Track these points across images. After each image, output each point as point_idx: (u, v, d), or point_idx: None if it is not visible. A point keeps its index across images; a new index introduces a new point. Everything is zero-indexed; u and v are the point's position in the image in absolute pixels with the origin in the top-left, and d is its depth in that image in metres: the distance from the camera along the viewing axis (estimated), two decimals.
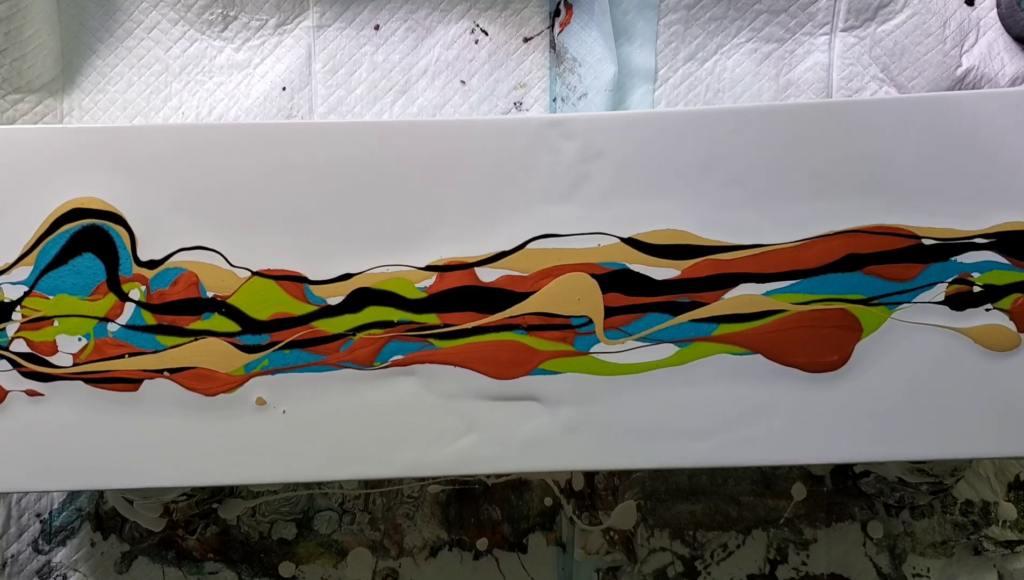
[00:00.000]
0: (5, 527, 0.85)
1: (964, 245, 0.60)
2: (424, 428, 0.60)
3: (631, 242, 0.60)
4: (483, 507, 0.86)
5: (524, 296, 0.60)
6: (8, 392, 0.60)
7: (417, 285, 0.60)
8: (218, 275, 0.60)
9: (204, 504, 0.84)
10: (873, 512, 0.85)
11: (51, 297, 0.60)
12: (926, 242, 0.60)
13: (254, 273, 0.60)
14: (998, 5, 0.84)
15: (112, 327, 0.60)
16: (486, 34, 0.87)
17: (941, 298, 0.60)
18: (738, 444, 0.60)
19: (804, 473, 0.86)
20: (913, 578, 0.85)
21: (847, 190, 0.60)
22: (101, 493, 0.85)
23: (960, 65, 0.84)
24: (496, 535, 0.86)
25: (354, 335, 0.60)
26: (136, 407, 0.60)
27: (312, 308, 0.60)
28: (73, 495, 0.86)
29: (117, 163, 0.60)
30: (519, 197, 0.61)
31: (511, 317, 0.60)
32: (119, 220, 0.60)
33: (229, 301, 0.60)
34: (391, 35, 0.87)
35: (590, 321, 0.60)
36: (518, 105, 0.87)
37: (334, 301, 0.60)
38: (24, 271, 0.60)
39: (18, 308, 0.60)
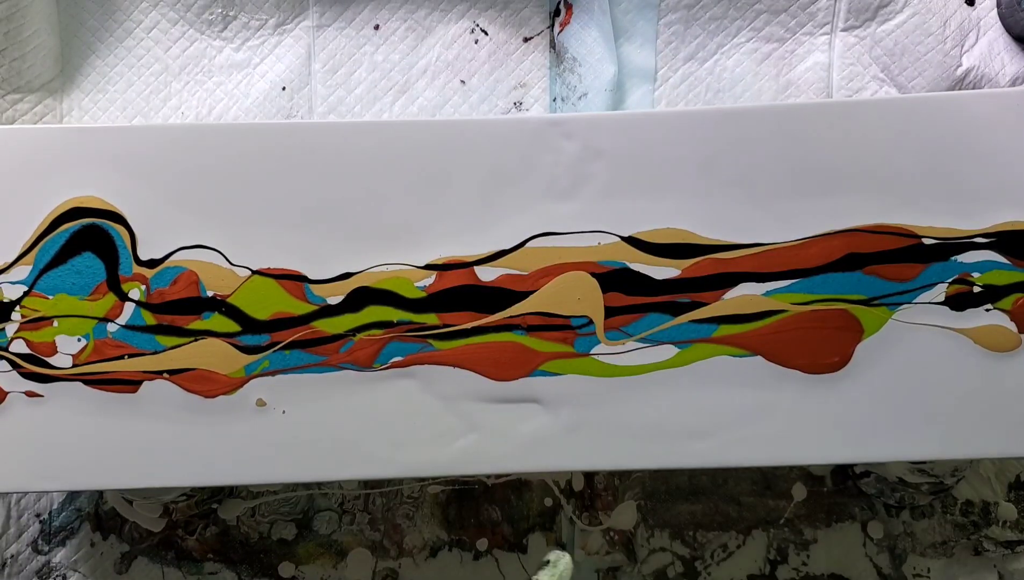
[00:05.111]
0: (5, 527, 0.85)
1: (964, 244, 0.60)
2: (424, 429, 0.60)
3: (631, 241, 0.60)
4: (483, 507, 0.86)
5: (524, 295, 0.60)
6: (8, 393, 0.60)
7: (417, 284, 0.60)
8: (218, 274, 0.60)
9: (204, 504, 0.84)
10: (873, 512, 0.85)
11: (51, 297, 0.60)
12: (926, 241, 0.60)
13: (254, 272, 0.60)
14: (998, 5, 0.84)
15: (112, 327, 0.60)
16: (486, 34, 0.87)
17: (941, 298, 0.60)
18: (738, 444, 0.60)
19: (804, 473, 0.86)
20: (913, 578, 0.85)
21: (847, 190, 0.60)
22: (101, 493, 0.85)
23: (960, 65, 0.84)
24: (496, 535, 0.85)
25: (354, 336, 0.60)
26: (136, 409, 0.60)
27: (312, 307, 0.60)
28: (73, 495, 0.86)
29: (117, 163, 0.60)
30: (519, 196, 0.61)
31: (511, 317, 0.60)
32: (119, 219, 0.60)
33: (229, 300, 0.60)
34: (391, 35, 0.87)
35: (590, 321, 0.60)
36: (518, 105, 0.87)
37: (334, 300, 0.60)
38: (23, 270, 0.60)
39: (18, 308, 0.60)
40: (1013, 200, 0.59)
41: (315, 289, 0.60)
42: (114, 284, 0.60)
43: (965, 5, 0.85)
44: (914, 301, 0.60)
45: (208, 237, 0.60)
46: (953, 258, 0.60)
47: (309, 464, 0.60)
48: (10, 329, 0.60)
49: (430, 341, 0.60)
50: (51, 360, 0.60)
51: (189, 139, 0.61)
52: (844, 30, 0.86)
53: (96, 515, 0.86)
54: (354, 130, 0.61)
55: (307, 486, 0.85)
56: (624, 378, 0.60)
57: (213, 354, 0.60)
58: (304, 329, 0.60)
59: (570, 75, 0.84)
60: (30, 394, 0.60)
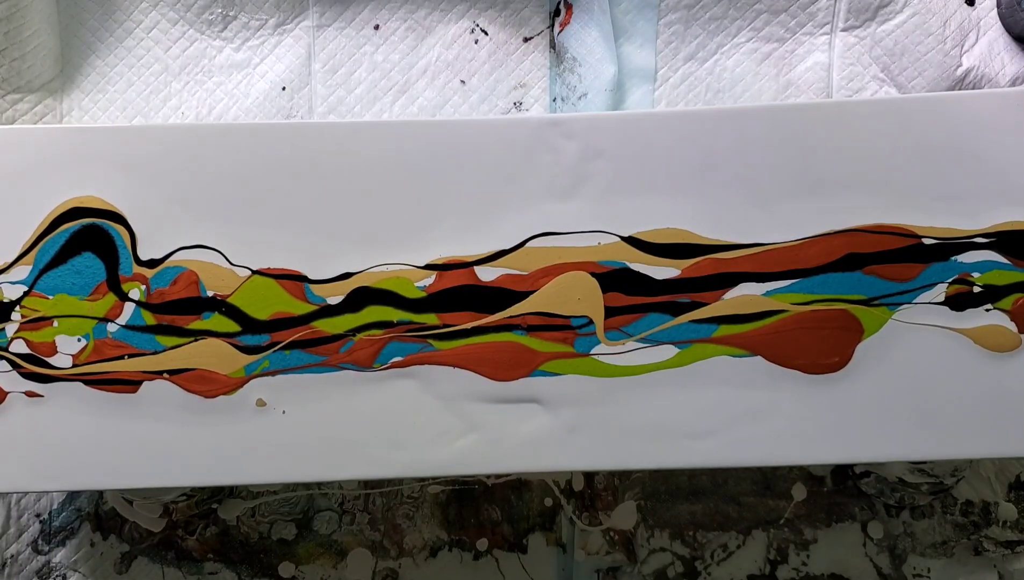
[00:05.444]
0: (5, 527, 0.85)
1: (964, 244, 0.60)
2: (424, 428, 0.60)
3: (631, 241, 0.60)
4: (483, 507, 0.86)
5: (524, 295, 0.60)
6: (8, 393, 0.60)
7: (417, 284, 0.60)
8: (218, 274, 0.60)
9: (204, 504, 0.84)
10: (873, 512, 0.85)
11: (50, 297, 0.60)
12: (926, 241, 0.60)
13: (254, 272, 0.60)
14: (998, 5, 0.84)
15: (112, 327, 0.60)
16: (486, 34, 0.87)
17: (941, 299, 0.60)
18: (738, 444, 0.60)
19: (804, 473, 0.86)
20: (913, 578, 0.85)
21: (847, 190, 0.60)
22: (101, 493, 0.85)
23: (960, 65, 0.84)
24: (496, 535, 0.85)
25: (354, 336, 0.60)
26: (135, 409, 0.60)
27: (312, 307, 0.60)
28: (73, 495, 0.86)
29: (117, 163, 0.60)
30: (519, 196, 0.61)
31: (511, 317, 0.60)
32: (119, 219, 0.60)
33: (229, 300, 0.60)
34: (391, 35, 0.87)
35: (590, 321, 0.60)
36: (518, 105, 0.87)
37: (334, 300, 0.60)
38: (23, 270, 0.60)
39: (18, 308, 0.60)
40: (1013, 200, 0.59)
41: (315, 289, 0.60)
42: (114, 284, 0.60)
43: (965, 5, 0.85)
44: (914, 301, 0.60)
45: (208, 237, 0.60)
46: (953, 258, 0.60)
47: (309, 464, 0.60)
48: (10, 329, 0.60)
49: (430, 341, 0.60)
50: (51, 360, 0.60)
51: (189, 139, 0.61)
52: (844, 30, 0.86)
53: (96, 515, 0.86)
54: (354, 130, 0.61)
55: (307, 486, 0.85)
56: (624, 378, 0.60)
57: (213, 354, 0.60)
58: (304, 329, 0.60)
59: (570, 75, 0.84)
60: (30, 394, 0.60)
